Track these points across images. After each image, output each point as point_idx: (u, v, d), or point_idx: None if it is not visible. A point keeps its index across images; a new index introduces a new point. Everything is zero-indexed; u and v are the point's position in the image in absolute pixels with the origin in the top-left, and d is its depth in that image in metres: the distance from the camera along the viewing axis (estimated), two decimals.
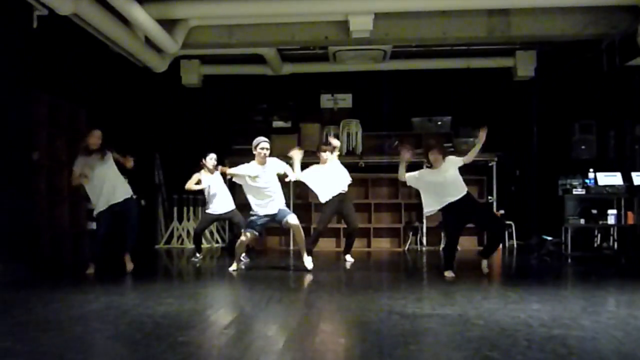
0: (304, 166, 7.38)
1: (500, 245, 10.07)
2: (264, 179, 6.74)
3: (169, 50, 8.60)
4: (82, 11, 6.80)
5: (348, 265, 7.84)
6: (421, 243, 10.23)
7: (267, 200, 6.74)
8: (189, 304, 4.75)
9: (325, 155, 7.95)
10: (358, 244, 10.15)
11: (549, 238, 8.49)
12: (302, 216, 10.54)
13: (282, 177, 7.13)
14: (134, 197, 6.90)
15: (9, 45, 6.37)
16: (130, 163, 6.75)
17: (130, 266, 6.77)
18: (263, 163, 6.77)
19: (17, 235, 6.36)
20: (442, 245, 10.15)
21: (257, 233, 6.84)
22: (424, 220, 10.15)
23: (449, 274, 6.30)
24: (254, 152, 6.80)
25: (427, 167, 6.54)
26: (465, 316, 4.11)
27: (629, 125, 9.05)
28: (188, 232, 10.53)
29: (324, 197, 7.85)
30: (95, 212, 6.75)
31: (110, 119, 9.10)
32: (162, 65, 9.26)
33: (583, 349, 3.23)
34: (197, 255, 8.24)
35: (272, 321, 4.27)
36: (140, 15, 7.50)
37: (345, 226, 8.48)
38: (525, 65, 10.40)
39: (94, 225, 8.27)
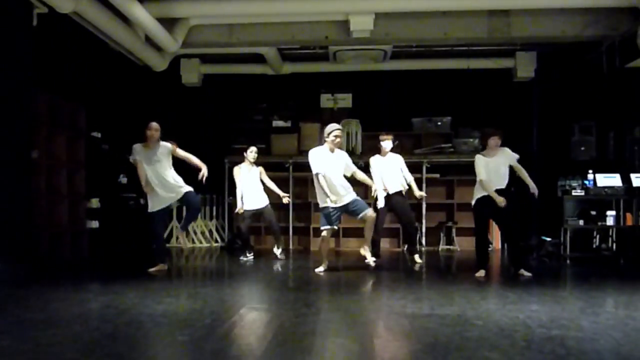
0: (304, 166, 7.30)
1: (501, 247, 10.11)
2: (334, 167, 6.64)
3: (169, 49, 8.60)
4: (82, 9, 6.80)
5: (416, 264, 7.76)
6: (420, 243, 10.23)
7: (339, 190, 6.64)
8: (188, 303, 4.75)
9: (384, 144, 7.73)
10: (356, 244, 10.17)
11: (548, 239, 8.49)
12: (301, 216, 10.60)
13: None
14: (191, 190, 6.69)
15: (9, 43, 6.37)
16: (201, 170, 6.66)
17: (184, 242, 6.86)
18: (333, 150, 6.69)
19: (16, 234, 6.36)
20: (441, 246, 10.18)
21: (335, 227, 6.76)
22: (424, 221, 10.16)
23: (479, 273, 6.42)
24: (326, 139, 6.69)
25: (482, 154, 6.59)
26: (464, 316, 4.11)
27: (629, 127, 9.05)
28: (187, 231, 10.52)
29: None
30: (149, 210, 6.63)
31: (110, 118, 9.13)
32: (162, 64, 9.26)
33: (581, 349, 3.23)
34: (247, 254, 8.20)
35: (271, 320, 4.27)
36: (141, 14, 7.50)
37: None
38: (525, 66, 10.41)
39: (93, 224, 8.29)
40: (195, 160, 6.72)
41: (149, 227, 6.67)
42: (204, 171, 6.64)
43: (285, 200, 8.30)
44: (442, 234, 10.27)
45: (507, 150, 6.57)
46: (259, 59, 10.36)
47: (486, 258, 6.59)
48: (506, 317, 4.07)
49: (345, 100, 10.94)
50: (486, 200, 6.42)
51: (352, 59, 10.08)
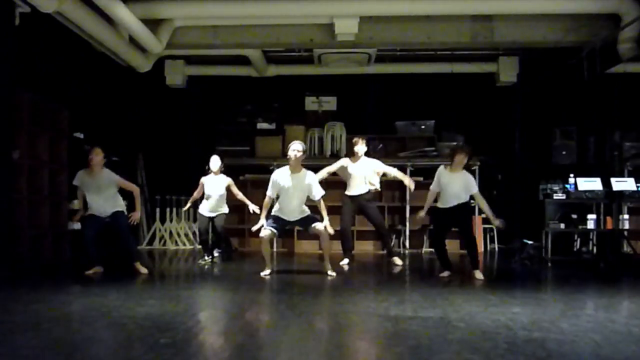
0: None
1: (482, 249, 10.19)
2: (293, 188, 6.49)
3: (153, 50, 8.55)
4: (66, 9, 6.73)
5: (396, 266, 7.81)
6: (404, 246, 10.28)
7: (288, 208, 6.60)
8: (171, 306, 4.72)
9: (357, 148, 7.83)
10: (339, 246, 10.18)
11: (530, 242, 8.57)
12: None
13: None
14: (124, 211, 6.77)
15: None
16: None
17: (144, 270, 6.74)
18: (294, 169, 6.49)
19: None
20: (424, 249, 10.23)
21: (276, 232, 6.67)
22: (407, 223, 10.21)
23: (443, 273, 6.60)
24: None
25: (446, 165, 6.58)
26: (447, 319, 4.14)
27: (609, 132, 9.19)
28: (170, 233, 10.47)
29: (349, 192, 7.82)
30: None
31: (93, 119, 9.05)
32: (146, 65, 9.20)
33: (562, 352, 3.28)
34: (205, 257, 8.04)
35: (254, 323, 4.26)
36: (125, 15, 7.45)
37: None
38: (507, 71, 10.50)
39: (75, 226, 8.21)
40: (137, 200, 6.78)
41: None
42: (135, 216, 6.70)
43: None
44: (425, 237, 10.32)
45: (469, 177, 6.55)
46: (243, 61, 10.34)
47: (446, 259, 6.71)
48: (488, 320, 4.11)
49: (329, 103, 10.96)
50: (443, 210, 6.54)
51: (336, 62, 10.10)
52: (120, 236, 6.71)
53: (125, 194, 6.94)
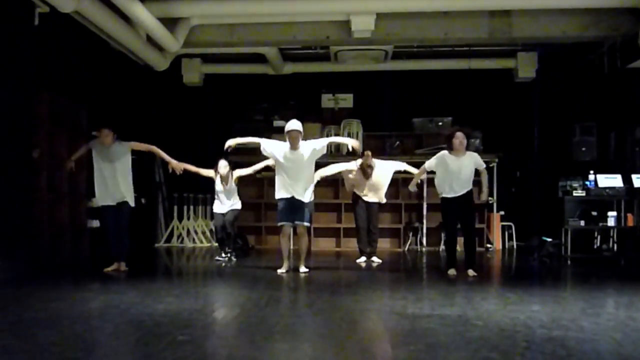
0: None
1: (500, 246, 10.11)
2: (293, 162, 6.54)
3: (171, 48, 8.60)
4: (84, 9, 6.80)
5: (374, 265, 7.94)
6: (421, 243, 10.24)
7: (296, 182, 6.56)
8: (189, 303, 4.75)
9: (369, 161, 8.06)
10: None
11: (549, 239, 8.48)
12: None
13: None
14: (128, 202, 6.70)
15: (11, 42, 6.37)
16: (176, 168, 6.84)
17: (123, 269, 6.69)
18: (294, 148, 6.52)
19: (17, 233, 6.36)
20: (441, 246, 10.18)
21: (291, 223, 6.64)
22: (424, 221, 10.16)
23: (450, 271, 6.47)
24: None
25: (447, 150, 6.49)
26: (465, 317, 4.11)
27: (630, 128, 9.04)
28: (188, 230, 10.54)
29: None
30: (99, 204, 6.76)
31: (111, 117, 9.12)
32: (164, 63, 9.26)
33: (582, 350, 3.24)
34: (223, 255, 8.11)
35: (272, 321, 4.27)
36: (142, 13, 7.50)
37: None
38: (526, 67, 10.39)
39: (94, 223, 8.30)
40: (161, 154, 6.85)
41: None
42: (174, 166, 6.83)
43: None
44: (442, 234, 10.26)
45: (476, 156, 6.51)
46: (260, 58, 10.36)
47: (454, 256, 6.62)
48: (507, 318, 4.07)
49: (346, 100, 10.95)
50: (450, 199, 6.42)
51: (353, 59, 10.07)
52: (118, 231, 6.62)
53: (142, 193, 6.98)
